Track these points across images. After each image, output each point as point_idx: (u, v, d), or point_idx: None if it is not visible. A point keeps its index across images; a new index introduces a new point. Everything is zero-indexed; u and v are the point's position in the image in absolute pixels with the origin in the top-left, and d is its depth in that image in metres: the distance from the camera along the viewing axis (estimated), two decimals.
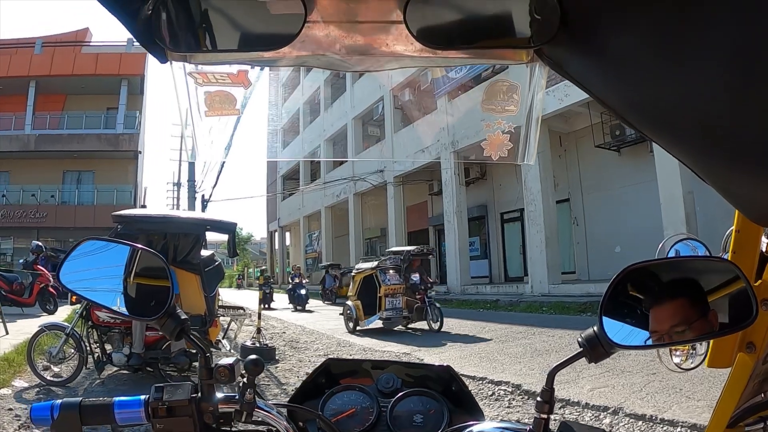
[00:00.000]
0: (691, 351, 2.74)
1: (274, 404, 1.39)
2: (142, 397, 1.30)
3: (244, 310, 12.05)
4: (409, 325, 16.84)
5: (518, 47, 1.22)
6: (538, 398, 1.30)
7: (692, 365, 2.75)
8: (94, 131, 38.84)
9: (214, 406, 1.29)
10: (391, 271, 16.89)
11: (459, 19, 1.14)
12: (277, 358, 11.82)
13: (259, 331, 12.41)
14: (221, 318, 11.03)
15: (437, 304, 16.26)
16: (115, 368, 9.39)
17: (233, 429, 1.36)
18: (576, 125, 23.70)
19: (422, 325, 16.59)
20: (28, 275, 19.32)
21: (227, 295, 30.25)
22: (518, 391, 8.47)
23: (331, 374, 1.76)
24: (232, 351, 11.31)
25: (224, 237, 11.12)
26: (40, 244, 21.59)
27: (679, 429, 6.20)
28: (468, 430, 1.40)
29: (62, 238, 37.06)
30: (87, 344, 9.20)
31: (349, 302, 16.87)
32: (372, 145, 36.56)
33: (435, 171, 29.58)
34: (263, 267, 34.93)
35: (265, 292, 23.54)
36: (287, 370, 10.76)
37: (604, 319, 1.25)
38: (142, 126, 41.22)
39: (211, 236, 11.27)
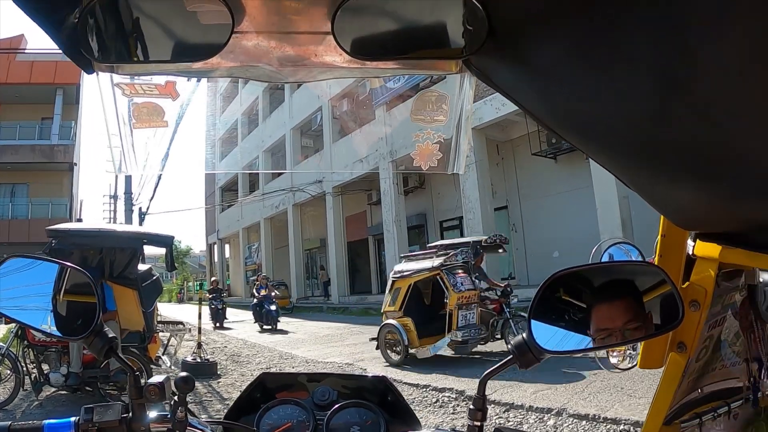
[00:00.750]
0: (629, 351, 2.80)
1: (208, 421, 1.37)
2: (73, 419, 1.26)
3: (184, 325, 11.92)
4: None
5: (447, 57, 1.23)
6: (471, 406, 1.31)
7: (629, 365, 2.81)
8: (28, 142, 37.73)
9: (145, 427, 1.27)
10: (461, 272, 12.10)
11: (387, 29, 1.14)
12: (218, 372, 11.70)
13: (199, 345, 12.26)
14: (161, 333, 10.87)
15: (522, 314, 11.63)
16: (54, 389, 9.15)
17: None
18: (513, 134, 23.98)
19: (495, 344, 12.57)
20: None
21: (168, 309, 29.81)
22: (462, 397, 8.52)
23: (267, 388, 1.73)
24: (172, 367, 11.14)
25: (162, 250, 10.97)
26: None
27: (621, 427, 6.32)
28: None
29: None
30: (23, 365, 8.99)
31: (391, 321, 11.97)
32: (311, 155, 36.46)
33: (374, 180, 29.58)
34: (214, 278, 33.77)
35: (216, 307, 23.35)
36: (229, 384, 10.66)
37: (533, 324, 1.26)
38: (77, 137, 40.27)
39: (149, 250, 11.11)
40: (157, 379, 1.28)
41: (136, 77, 1.29)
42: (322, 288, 36.79)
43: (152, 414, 1.29)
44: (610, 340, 1.28)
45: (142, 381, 1.29)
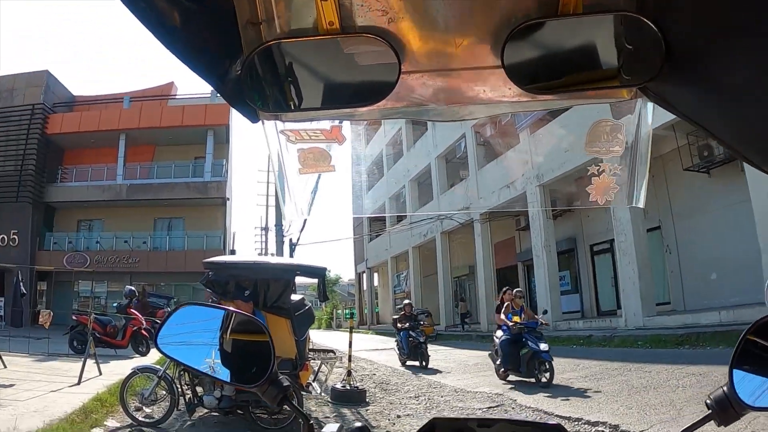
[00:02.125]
0: None
1: None
2: None
3: (335, 353, 12.08)
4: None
5: (621, 86, 1.16)
6: None
7: None
8: (182, 180, 39.86)
9: None
10: None
11: (558, 60, 1.09)
12: (367, 400, 11.78)
13: (349, 373, 12.41)
14: (312, 361, 11.08)
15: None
16: (206, 411, 9.47)
17: None
18: (662, 149, 22.99)
19: None
20: (122, 318, 19.91)
21: (318, 336, 30.40)
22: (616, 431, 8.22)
23: None
24: (322, 394, 11.34)
25: (314, 280, 11.21)
26: (133, 288, 21.98)
27: None
28: None
29: (154, 282, 38.29)
30: (179, 386, 9.41)
31: None
32: (457, 182, 36.47)
33: (522, 205, 29.16)
34: (407, 301, 33.06)
35: (416, 340, 18.72)
36: (377, 412, 10.72)
37: (736, 375, 1.14)
38: (228, 173, 42.12)
39: (300, 280, 11.38)
40: (331, 429, 1.23)
41: (299, 123, 1.28)
42: (460, 319, 36.60)
43: None
44: None
45: (316, 429, 1.24)
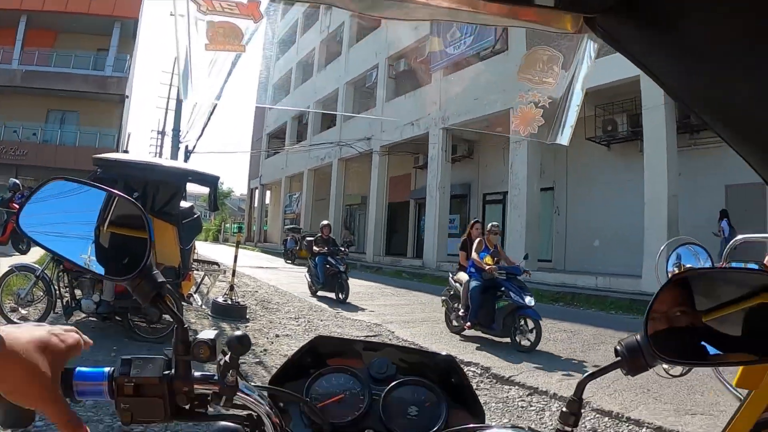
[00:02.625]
0: None
1: (256, 386, 1.20)
2: (107, 369, 1.08)
3: (219, 266, 11.92)
4: None
5: (566, 12, 1.06)
6: (564, 408, 1.14)
7: (680, 372, 2.66)
8: (82, 71, 37.99)
9: (189, 387, 1.09)
10: None
11: None
12: (247, 317, 11.72)
13: (232, 288, 12.30)
14: (195, 272, 10.89)
15: None
16: (84, 315, 9.20)
17: (209, 412, 1.15)
18: None
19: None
20: (3, 213, 18.93)
21: (204, 249, 30.05)
22: (487, 374, 8.41)
23: (319, 353, 1.57)
24: (203, 306, 11.19)
25: (205, 190, 10.92)
26: (17, 181, 20.76)
27: (644, 430, 6.17)
28: None
29: (41, 177, 35.82)
30: (57, 288, 9.07)
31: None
32: (362, 112, 36.28)
33: (422, 144, 29.32)
34: (325, 222, 32.29)
35: (335, 268, 16.33)
36: (257, 330, 10.67)
37: (650, 325, 1.08)
38: (131, 70, 40.53)
39: (191, 189, 11.09)
40: (208, 335, 1.11)
41: None
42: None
43: (198, 374, 1.12)
44: (735, 357, 1.11)
45: (191, 337, 1.11)
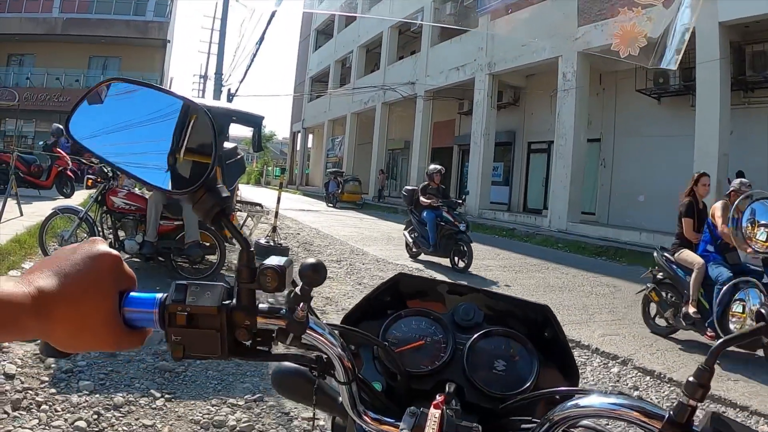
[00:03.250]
0: (748, 320, 2.49)
1: (328, 325, 1.06)
2: (159, 295, 0.98)
3: (262, 207, 11.92)
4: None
5: None
6: (691, 378, 0.91)
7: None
8: (123, 17, 38.05)
9: (251, 320, 0.96)
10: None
11: None
12: (290, 257, 11.73)
13: (274, 229, 12.30)
14: (238, 213, 10.88)
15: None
16: (127, 256, 9.22)
17: (272, 351, 1.02)
18: (619, 65, 22.90)
19: None
20: (47, 158, 19.20)
21: (247, 191, 30.17)
22: None
23: (399, 293, 1.43)
24: None
25: (248, 132, 10.84)
26: (60, 127, 20.52)
27: None
28: (577, 400, 1.00)
29: None
30: (100, 229, 9.13)
31: None
32: (407, 56, 35.90)
33: (467, 90, 28.97)
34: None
35: (457, 231, 12.72)
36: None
37: None
38: (172, 14, 40.43)
39: (234, 131, 11.02)
40: (277, 261, 0.97)
41: None
42: (377, 192, 36.64)
43: (263, 306, 0.98)
44: None
45: (258, 263, 0.97)
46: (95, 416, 4.24)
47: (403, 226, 14.09)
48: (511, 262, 14.13)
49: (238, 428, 4.36)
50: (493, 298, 1.42)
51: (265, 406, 4.78)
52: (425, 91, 31.64)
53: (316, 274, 0.97)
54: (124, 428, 4.16)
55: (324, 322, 1.04)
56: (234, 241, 10.06)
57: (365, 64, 41.53)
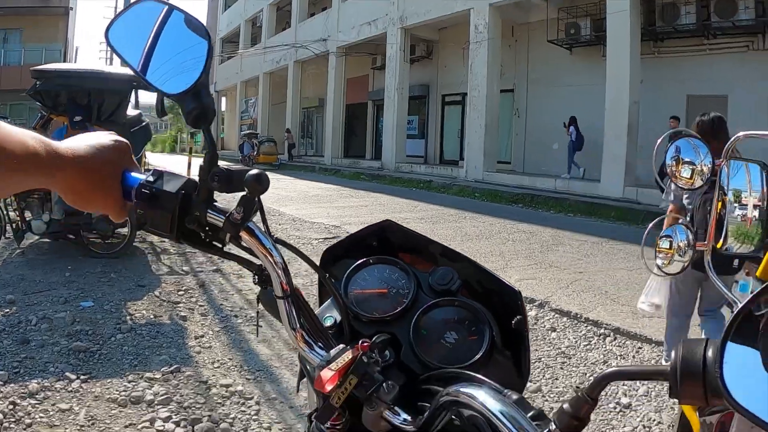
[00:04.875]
0: (677, 256, 2.51)
1: (275, 238, 1.10)
2: (143, 177, 1.09)
3: None
4: None
5: None
6: (566, 406, 0.81)
7: (674, 270, 2.53)
8: None
9: (201, 212, 1.07)
10: None
11: None
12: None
13: None
14: None
15: None
16: (36, 237, 8.95)
17: (217, 245, 1.11)
18: (531, 17, 23.24)
19: None
20: None
21: (158, 159, 29.48)
22: None
23: (387, 241, 1.41)
24: None
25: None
26: None
27: (602, 330, 6.17)
28: (464, 388, 0.93)
29: None
30: (5, 213, 8.75)
31: None
32: (318, 13, 35.42)
33: (380, 45, 28.90)
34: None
35: None
36: None
37: (729, 350, 0.63)
38: None
39: (144, 99, 10.70)
40: (231, 167, 1.07)
41: None
42: (286, 151, 36.26)
43: (218, 205, 1.09)
44: None
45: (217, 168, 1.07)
46: (11, 406, 4.10)
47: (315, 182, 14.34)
48: (429, 214, 14.25)
49: (156, 401, 4.27)
50: (480, 271, 1.33)
51: (182, 377, 4.70)
52: (337, 48, 31.30)
53: (258, 183, 1.05)
54: (41, 415, 4.04)
55: (275, 237, 1.10)
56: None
57: (276, 23, 40.81)
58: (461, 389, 0.93)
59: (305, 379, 1.21)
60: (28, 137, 0.90)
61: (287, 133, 36.73)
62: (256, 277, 1.12)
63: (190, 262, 8.66)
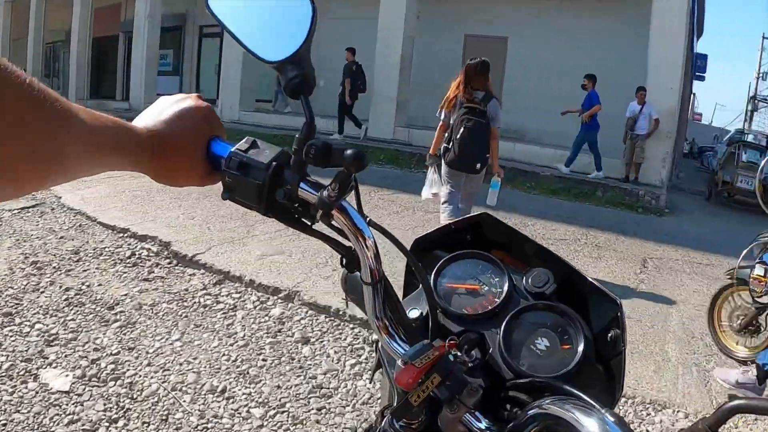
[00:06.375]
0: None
1: (372, 223, 1.02)
2: (234, 146, 1.05)
3: None
4: None
5: None
6: None
7: None
8: None
9: (293, 186, 1.00)
10: None
11: None
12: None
13: None
14: None
15: None
16: None
17: (306, 222, 1.05)
18: None
19: None
20: None
21: None
22: (165, 252, 6.54)
23: (482, 236, 1.32)
24: None
25: None
26: None
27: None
28: (551, 404, 0.90)
29: None
30: None
31: None
32: None
33: None
34: None
35: None
36: None
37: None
38: None
39: None
40: (329, 141, 0.98)
41: None
42: None
43: (311, 179, 1.02)
44: None
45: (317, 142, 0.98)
46: None
47: None
48: None
49: None
50: (578, 277, 1.22)
51: None
52: None
53: (358, 160, 0.98)
54: None
55: (368, 219, 1.04)
56: None
57: None
58: (556, 403, 0.91)
59: (380, 370, 1.22)
60: (109, 120, 0.87)
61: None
62: (344, 259, 1.08)
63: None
